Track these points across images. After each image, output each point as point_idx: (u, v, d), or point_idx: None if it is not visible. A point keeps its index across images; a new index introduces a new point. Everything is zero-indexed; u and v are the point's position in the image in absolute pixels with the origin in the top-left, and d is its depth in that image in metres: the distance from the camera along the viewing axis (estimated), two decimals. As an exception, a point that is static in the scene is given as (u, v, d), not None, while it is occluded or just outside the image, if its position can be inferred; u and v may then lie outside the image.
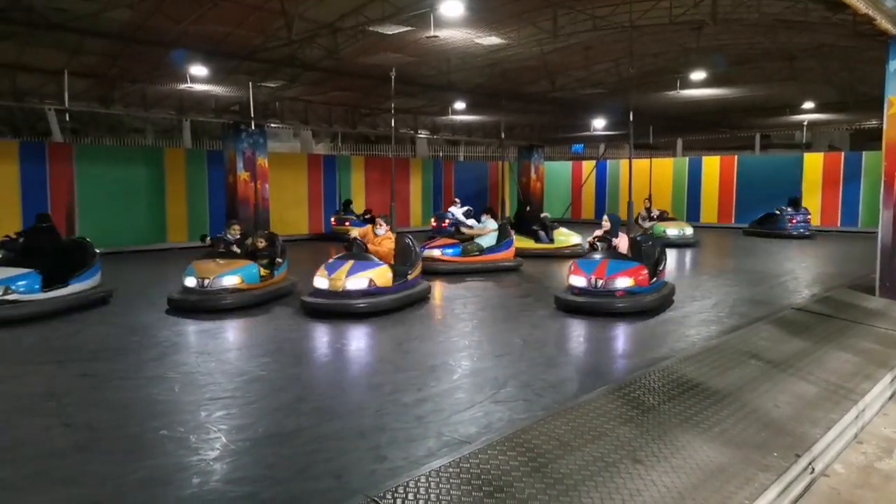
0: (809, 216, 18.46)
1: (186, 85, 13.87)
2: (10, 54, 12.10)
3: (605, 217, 8.63)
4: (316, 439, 3.94)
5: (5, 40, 11.31)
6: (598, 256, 8.21)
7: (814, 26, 11.60)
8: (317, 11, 11.35)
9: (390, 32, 11.84)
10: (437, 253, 11.28)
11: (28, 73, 13.13)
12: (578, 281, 7.89)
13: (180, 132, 22.08)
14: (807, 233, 17.95)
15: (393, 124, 13.56)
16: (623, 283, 7.66)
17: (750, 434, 3.97)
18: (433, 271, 10.63)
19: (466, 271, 11.24)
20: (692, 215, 22.82)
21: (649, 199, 18.74)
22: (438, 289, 9.69)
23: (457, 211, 16.79)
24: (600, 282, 7.72)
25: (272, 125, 17.96)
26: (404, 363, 5.71)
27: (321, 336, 6.98)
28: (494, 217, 12.70)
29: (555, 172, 27.01)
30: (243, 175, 16.80)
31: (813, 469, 3.84)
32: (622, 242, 8.34)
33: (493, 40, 12.95)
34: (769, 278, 10.78)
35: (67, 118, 17.26)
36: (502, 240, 11.77)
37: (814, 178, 20.95)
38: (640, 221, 17.04)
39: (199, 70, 12.87)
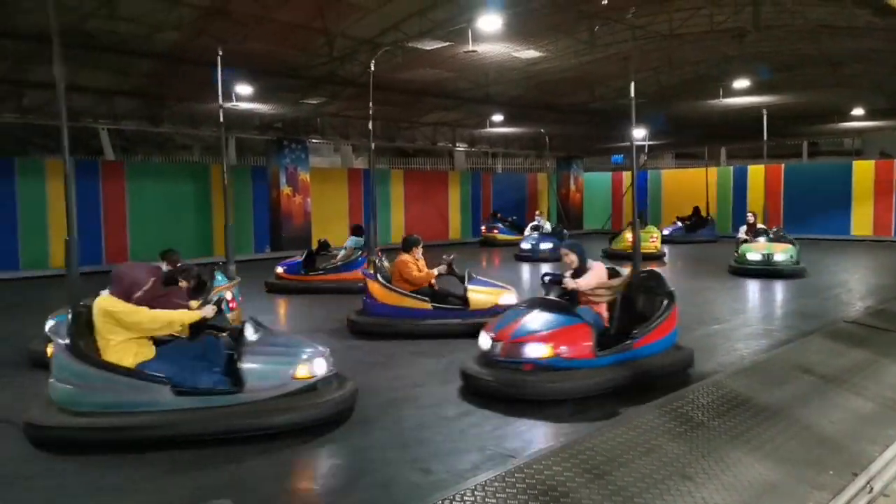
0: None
1: (232, 103, 14.26)
2: (66, 76, 12.63)
3: (564, 249, 5.84)
4: (358, 450, 3.98)
5: (63, 62, 11.81)
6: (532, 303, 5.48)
7: (860, 31, 11.31)
8: (357, 29, 11.57)
9: (429, 48, 11.98)
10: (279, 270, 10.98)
11: (82, 94, 13.70)
12: (483, 341, 5.25)
13: (226, 148, 22.71)
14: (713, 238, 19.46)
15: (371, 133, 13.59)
16: (535, 350, 4.93)
17: (803, 451, 3.85)
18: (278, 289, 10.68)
19: (312, 290, 10.50)
20: (738, 225, 22.29)
21: (757, 211, 15.19)
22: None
23: None
24: (498, 347, 5.06)
25: (313, 140, 18.31)
26: (440, 377, 5.70)
27: (363, 345, 6.97)
28: (359, 234, 11.86)
29: (594, 183, 26.78)
30: (286, 190, 17.17)
31: (871, 488, 3.70)
32: (584, 281, 5.46)
33: (530, 53, 12.98)
34: (821, 290, 10.46)
35: (117, 136, 17.92)
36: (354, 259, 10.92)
37: (865, 186, 20.28)
38: (740, 237, 13.78)
39: (243, 88, 13.23)
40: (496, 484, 3.15)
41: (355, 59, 12.79)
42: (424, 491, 3.40)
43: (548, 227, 17.33)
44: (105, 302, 4.27)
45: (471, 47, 11.30)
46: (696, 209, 21.22)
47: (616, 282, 5.65)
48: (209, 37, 11.13)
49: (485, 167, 30.60)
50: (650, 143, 22.53)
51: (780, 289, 10.63)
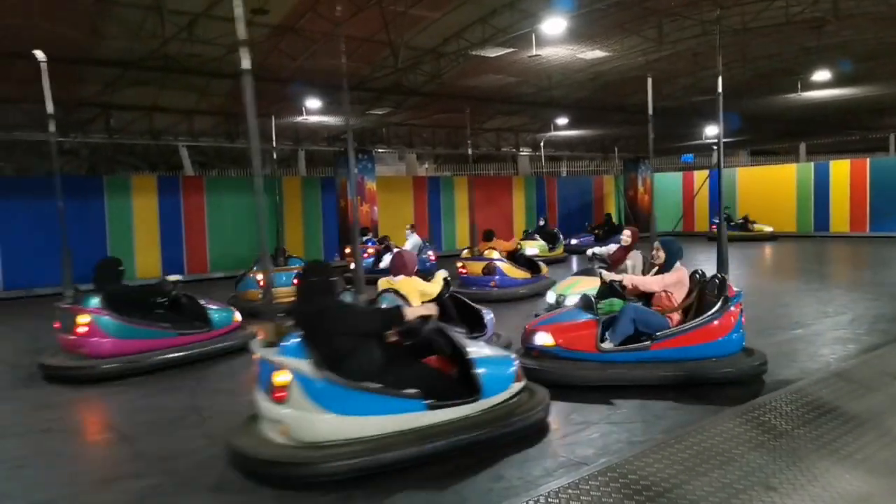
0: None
1: (302, 117, 14.76)
2: (149, 97, 13.43)
3: (657, 244, 5.97)
4: (432, 459, 4.02)
5: (145, 85, 12.57)
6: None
7: (954, 14, 10.61)
8: (420, 39, 11.76)
9: (492, 55, 12.03)
10: None
11: (163, 114, 14.51)
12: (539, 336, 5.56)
13: (296, 161, 23.42)
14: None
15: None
16: (541, 339, 5.43)
17: (898, 463, 3.65)
18: None
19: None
20: (820, 224, 21.24)
21: None
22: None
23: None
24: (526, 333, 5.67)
25: (379, 150, 18.67)
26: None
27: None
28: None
29: (664, 184, 26.09)
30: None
31: (976, 504, 3.46)
32: (641, 279, 5.77)
33: (595, 54, 12.83)
34: (913, 291, 9.83)
35: (195, 152, 18.83)
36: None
37: (960, 180, 18.91)
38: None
39: (312, 102, 13.67)
40: (570, 491, 3.14)
41: (419, 69, 13.00)
42: (497, 496, 3.43)
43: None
44: (411, 282, 5.52)
45: (535, 52, 11.29)
46: (608, 216, 20.34)
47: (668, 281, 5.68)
48: (280, 54, 11.58)
49: (549, 171, 30.36)
50: (724, 140, 21.75)
51: (868, 293, 10.05)
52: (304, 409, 3.65)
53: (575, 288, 7.32)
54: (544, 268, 11.03)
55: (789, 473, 3.41)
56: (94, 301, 6.30)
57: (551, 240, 16.46)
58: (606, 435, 4.29)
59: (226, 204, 16.25)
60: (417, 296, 5.52)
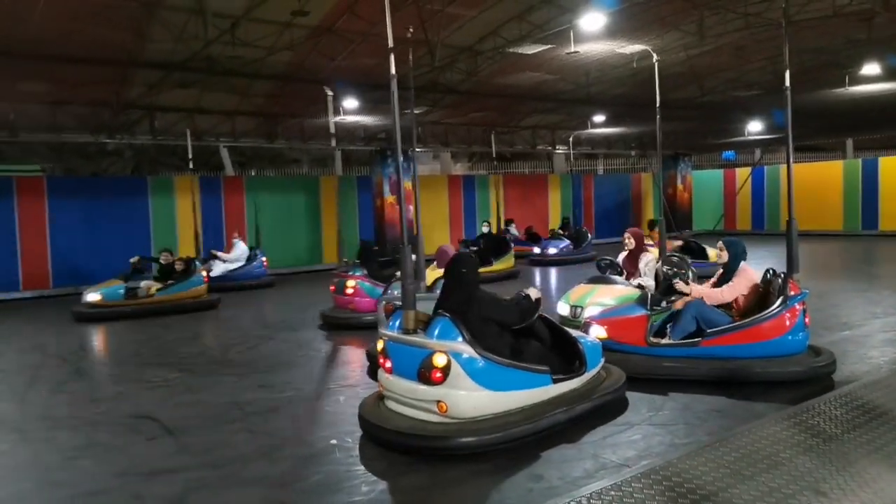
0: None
1: (339, 117, 14.91)
2: (191, 100, 13.73)
3: (721, 243, 5.90)
4: (469, 456, 4.04)
5: (188, 87, 12.85)
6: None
7: None
8: (457, 37, 11.75)
9: (530, 52, 11.96)
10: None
11: (205, 115, 14.81)
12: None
13: (333, 160, 23.69)
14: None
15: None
16: (595, 331, 5.61)
17: (956, 470, 3.52)
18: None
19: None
20: (868, 223, 20.55)
21: None
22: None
23: None
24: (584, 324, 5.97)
25: (416, 150, 18.73)
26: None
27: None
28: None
29: (704, 182, 25.57)
30: (390, 198, 17.65)
31: None
32: (698, 289, 5.66)
33: (635, 48, 12.64)
34: (970, 292, 9.45)
35: (234, 152, 19.17)
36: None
37: None
38: None
39: (350, 102, 13.79)
40: (612, 493, 3.11)
41: (455, 67, 13.00)
42: (537, 496, 3.41)
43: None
44: None
45: (573, 48, 11.17)
46: (566, 220, 18.35)
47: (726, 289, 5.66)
48: (319, 54, 11.71)
49: (586, 169, 30.04)
50: (765, 136, 21.22)
51: (921, 291, 9.69)
52: (463, 388, 4.01)
53: (592, 297, 6.83)
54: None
55: (839, 478, 3.31)
56: (359, 271, 8.77)
57: (499, 248, 13.72)
58: (648, 437, 4.23)
59: (265, 203, 16.52)
60: None
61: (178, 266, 10.80)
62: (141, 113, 14.19)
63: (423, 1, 9.92)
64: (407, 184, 18.15)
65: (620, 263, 7.63)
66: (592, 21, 10.00)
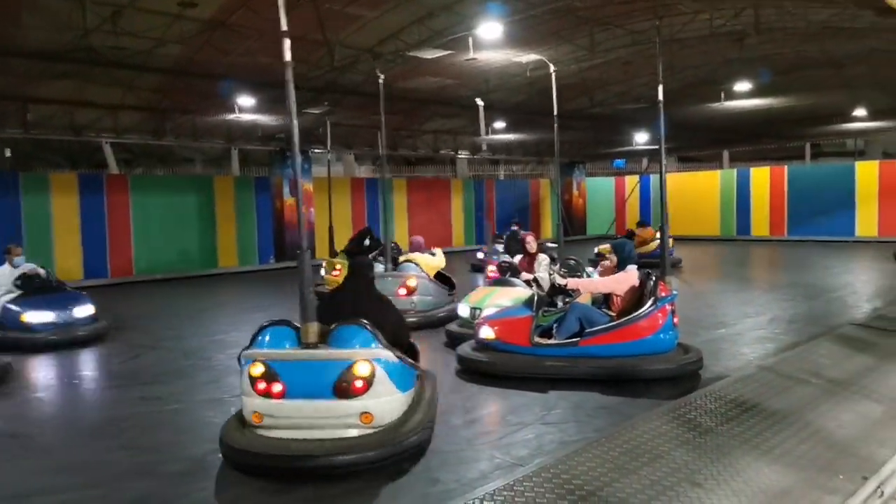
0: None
1: (234, 115, 14.34)
2: (71, 92, 12.74)
3: (607, 246, 6.55)
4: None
5: (67, 78, 11.92)
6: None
7: (863, 32, 11.32)
8: (356, 38, 11.63)
9: (429, 57, 12.03)
10: None
11: (86, 109, 13.79)
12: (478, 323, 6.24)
13: (228, 160, 22.75)
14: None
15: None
16: (484, 332, 5.87)
17: (814, 456, 3.83)
18: None
19: None
20: (742, 229, 22.26)
21: None
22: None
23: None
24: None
25: (316, 150, 18.34)
26: (448, 385, 5.68)
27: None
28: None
29: (597, 188, 26.78)
30: (289, 200, 17.20)
31: (882, 492, 3.67)
32: (574, 281, 6.14)
33: (530, 57, 13.02)
34: (825, 292, 10.42)
35: (120, 150, 17.99)
36: None
37: (869, 187, 20.21)
38: None
39: (246, 100, 13.30)
40: (504, 493, 3.14)
41: (356, 69, 12.85)
42: (433, 500, 3.40)
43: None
44: (423, 257, 8.60)
45: (471, 55, 11.34)
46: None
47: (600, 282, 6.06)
48: (212, 49, 11.21)
49: (488, 174, 30.64)
50: (652, 147, 22.50)
51: (784, 294, 10.58)
52: (385, 394, 3.88)
53: (491, 299, 7.01)
54: None
55: (713, 469, 3.52)
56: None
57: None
58: (541, 436, 4.33)
59: (152, 203, 15.63)
60: (427, 269, 8.60)
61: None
62: (12, 105, 13.00)
63: (322, 0, 9.73)
64: (307, 186, 17.76)
65: (517, 265, 7.83)
66: (490, 30, 10.20)
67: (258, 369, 3.83)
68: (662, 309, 5.54)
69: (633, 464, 3.50)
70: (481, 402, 5.22)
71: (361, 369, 3.82)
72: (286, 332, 4.00)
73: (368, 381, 3.82)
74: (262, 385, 3.81)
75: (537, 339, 5.66)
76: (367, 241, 4.71)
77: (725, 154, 28.93)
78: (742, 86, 14.94)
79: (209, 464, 4.01)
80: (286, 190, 17.20)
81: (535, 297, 5.94)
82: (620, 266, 6.02)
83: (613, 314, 5.76)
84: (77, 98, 13.12)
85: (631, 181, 25.80)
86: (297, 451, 3.70)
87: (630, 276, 5.85)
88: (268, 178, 17.92)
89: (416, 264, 8.62)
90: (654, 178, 25.32)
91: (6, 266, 7.91)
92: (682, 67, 14.69)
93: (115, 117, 14.34)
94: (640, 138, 21.54)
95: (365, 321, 3.98)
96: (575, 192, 26.02)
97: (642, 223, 16.05)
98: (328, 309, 4.22)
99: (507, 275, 7.72)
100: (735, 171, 23.72)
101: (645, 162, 28.29)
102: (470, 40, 10.96)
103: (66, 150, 22.67)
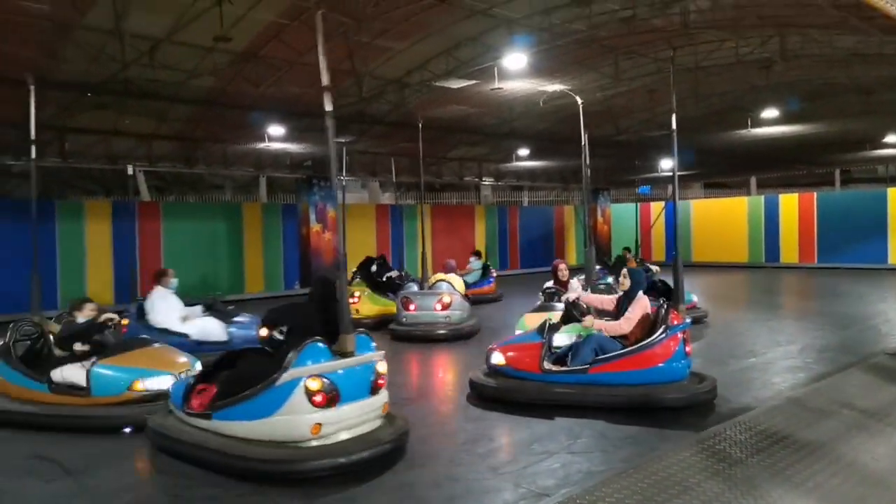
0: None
1: (264, 144, 14.68)
2: (107, 122, 13.18)
3: (625, 271, 6.19)
4: (395, 489, 3.99)
5: (104, 109, 12.34)
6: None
7: (890, 58, 11.23)
8: (385, 69, 11.88)
9: (455, 87, 12.23)
10: None
11: (121, 138, 14.23)
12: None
13: (257, 187, 23.17)
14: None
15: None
16: (495, 357, 5.90)
17: (847, 489, 3.76)
18: None
19: None
20: (770, 256, 21.95)
21: None
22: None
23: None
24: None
25: (341, 178, 18.63)
26: (472, 413, 5.68)
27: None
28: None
29: (621, 214, 26.67)
30: (315, 227, 17.46)
31: (920, 529, 3.58)
32: (620, 325, 5.78)
33: (555, 87, 13.15)
34: (858, 321, 10.21)
35: (152, 177, 18.43)
36: None
37: (901, 214, 19.82)
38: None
39: (275, 129, 13.61)
40: (531, 523, 3.13)
41: (383, 98, 13.10)
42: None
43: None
44: (456, 278, 10.08)
45: (497, 84, 11.50)
46: (477, 253, 15.73)
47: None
48: (243, 80, 11.54)
49: (511, 201, 30.73)
50: (679, 173, 22.36)
51: (816, 322, 10.39)
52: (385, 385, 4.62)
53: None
54: None
55: (744, 502, 3.47)
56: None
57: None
58: (567, 465, 4.31)
59: (183, 230, 15.94)
60: (461, 286, 9.98)
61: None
62: (52, 135, 13.48)
63: (352, 32, 9.99)
64: (333, 213, 18.02)
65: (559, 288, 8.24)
66: (515, 61, 10.36)
67: (315, 384, 4.16)
68: (674, 337, 5.50)
69: (662, 496, 3.47)
70: (505, 429, 5.20)
71: (382, 367, 4.53)
72: (318, 348, 4.31)
73: (385, 377, 4.56)
74: (319, 397, 4.15)
75: (548, 366, 5.67)
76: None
77: (753, 180, 28.68)
78: (769, 112, 14.87)
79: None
80: (312, 217, 17.45)
81: (547, 325, 5.94)
82: (633, 290, 5.98)
83: (626, 343, 5.70)
84: (113, 128, 13.57)
85: (656, 207, 25.65)
86: (365, 446, 4.20)
87: (644, 305, 5.83)
88: (295, 206, 18.20)
89: (450, 283, 9.84)
90: (680, 205, 25.12)
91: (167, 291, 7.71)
92: (708, 94, 14.69)
93: (149, 146, 14.77)
94: (666, 164, 21.46)
95: (366, 330, 4.77)
96: (600, 218, 25.93)
97: (628, 249, 15.09)
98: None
99: (553, 300, 7.92)
100: (763, 197, 23.47)
101: (670, 188, 28.13)
102: (495, 70, 11.13)
103: (101, 178, 23.33)
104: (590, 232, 10.17)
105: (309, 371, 4.16)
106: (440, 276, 10.23)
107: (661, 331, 5.51)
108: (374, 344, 4.63)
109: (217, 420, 4.35)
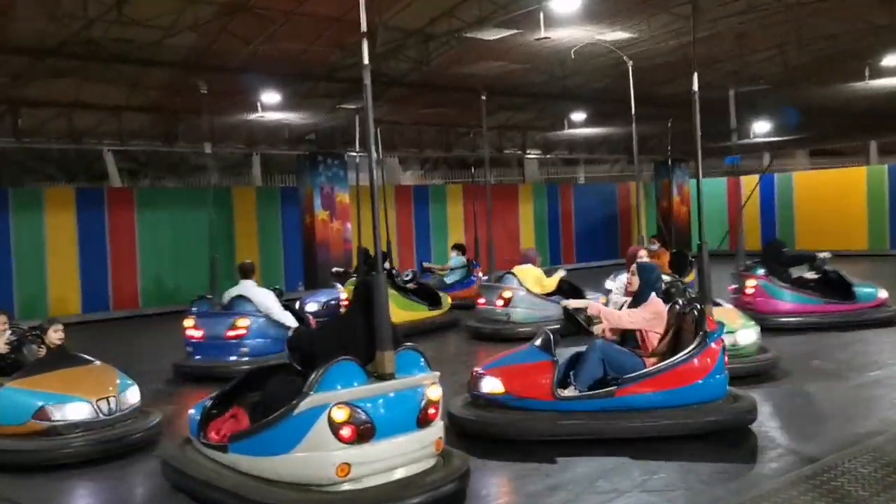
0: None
1: (257, 114, 14.81)
2: (68, 92, 13.46)
3: (634, 268, 6.28)
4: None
5: (63, 77, 12.59)
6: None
7: None
8: (402, 18, 11.87)
9: (491, 38, 12.16)
10: None
11: (85, 111, 14.52)
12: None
13: (249, 167, 23.41)
14: None
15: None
16: (488, 384, 5.60)
17: None
18: None
19: None
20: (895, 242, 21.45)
21: None
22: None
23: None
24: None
25: (352, 154, 18.73)
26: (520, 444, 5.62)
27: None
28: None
29: (704, 192, 26.28)
30: (322, 214, 17.53)
31: None
32: (620, 316, 5.90)
33: (617, 35, 12.99)
34: None
35: (123, 158, 18.78)
36: None
37: None
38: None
39: (270, 97, 13.73)
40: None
41: (401, 54, 13.11)
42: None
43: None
44: (531, 270, 10.43)
45: (543, 34, 11.40)
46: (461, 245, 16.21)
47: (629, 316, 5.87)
48: (231, 36, 11.64)
49: (564, 178, 30.56)
50: (775, 139, 22.00)
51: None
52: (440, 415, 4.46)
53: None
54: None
55: (868, 553, 3.41)
56: (760, 270, 10.24)
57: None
58: (639, 507, 4.29)
59: (162, 221, 16.21)
60: (533, 282, 10.44)
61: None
62: (1, 108, 13.82)
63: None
64: (343, 196, 18.15)
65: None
66: (564, 2, 10.25)
67: (341, 413, 3.98)
68: (711, 348, 5.39)
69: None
70: (560, 463, 5.17)
71: (433, 393, 4.33)
72: (349, 367, 4.18)
73: (438, 405, 4.36)
74: (346, 431, 3.98)
75: (560, 392, 5.44)
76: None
77: (873, 146, 27.99)
78: (893, 59, 14.51)
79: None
80: (317, 202, 17.55)
81: (551, 338, 5.70)
82: (644, 292, 5.90)
83: (641, 353, 5.62)
84: (75, 100, 13.84)
85: (749, 182, 25.21)
86: (410, 492, 4.06)
87: (657, 309, 5.75)
88: (296, 189, 18.36)
89: (516, 276, 10.61)
90: (778, 178, 24.71)
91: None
92: (813, 38, 14.36)
93: (118, 121, 15.04)
94: (760, 128, 21.09)
95: (416, 345, 4.56)
96: (676, 196, 25.54)
97: (657, 237, 14.42)
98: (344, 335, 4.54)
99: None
100: (886, 166, 22.91)
101: (766, 158, 27.62)
102: (541, 15, 11.03)
103: (62, 161, 23.89)
104: (659, 216, 10.27)
105: (336, 398, 4.01)
106: (518, 268, 10.94)
107: (698, 339, 5.37)
108: (424, 362, 4.44)
109: (234, 454, 4.28)
